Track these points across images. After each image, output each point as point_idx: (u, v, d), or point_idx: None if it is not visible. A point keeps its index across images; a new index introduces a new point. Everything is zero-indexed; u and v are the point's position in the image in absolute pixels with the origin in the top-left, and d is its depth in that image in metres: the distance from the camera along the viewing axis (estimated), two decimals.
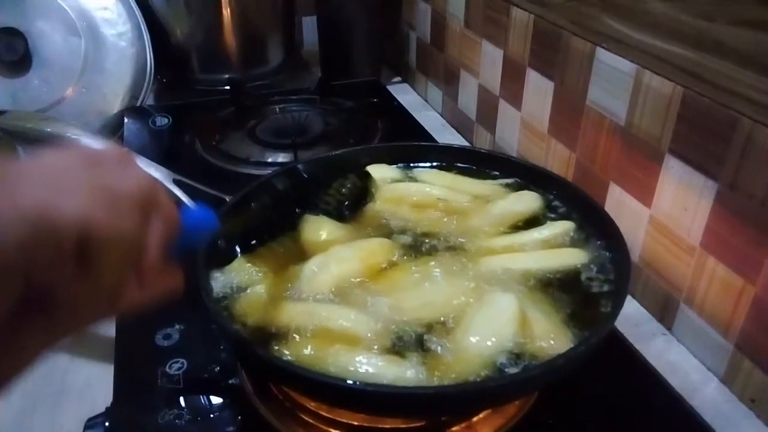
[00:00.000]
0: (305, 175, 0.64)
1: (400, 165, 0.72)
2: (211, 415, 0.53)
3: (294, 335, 0.48)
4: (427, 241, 0.59)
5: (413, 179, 0.69)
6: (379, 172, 0.68)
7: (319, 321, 0.49)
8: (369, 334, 0.47)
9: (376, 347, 0.46)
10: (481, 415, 0.50)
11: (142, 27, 1.08)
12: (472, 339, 0.46)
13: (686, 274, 0.64)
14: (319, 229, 0.60)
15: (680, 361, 0.64)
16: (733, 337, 0.59)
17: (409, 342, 0.47)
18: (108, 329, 0.62)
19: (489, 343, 0.46)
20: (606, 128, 0.72)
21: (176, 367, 0.57)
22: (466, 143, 1.09)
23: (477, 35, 1.00)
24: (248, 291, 0.53)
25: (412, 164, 0.72)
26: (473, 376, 0.44)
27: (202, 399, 0.54)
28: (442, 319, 0.49)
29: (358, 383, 0.41)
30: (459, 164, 0.71)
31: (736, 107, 0.54)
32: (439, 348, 0.46)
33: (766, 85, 0.51)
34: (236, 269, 0.55)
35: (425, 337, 0.47)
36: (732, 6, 0.53)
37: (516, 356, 0.45)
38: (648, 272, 0.69)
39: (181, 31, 1.19)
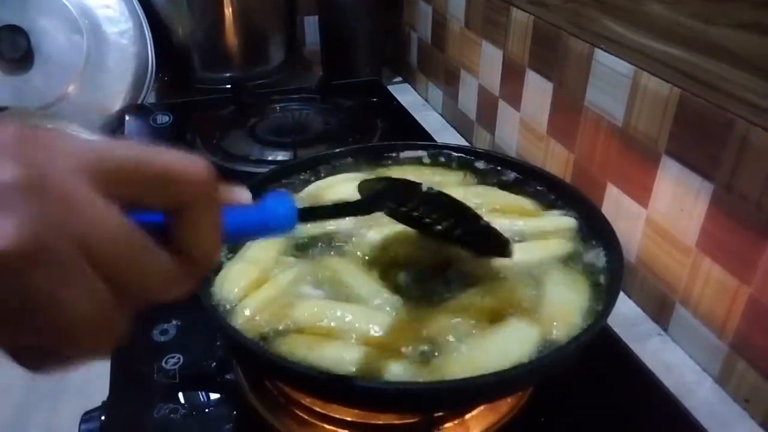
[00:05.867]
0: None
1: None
2: (207, 410, 0.53)
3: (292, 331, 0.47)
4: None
5: None
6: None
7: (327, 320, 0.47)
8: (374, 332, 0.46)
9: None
10: (474, 412, 0.50)
11: (144, 25, 1.09)
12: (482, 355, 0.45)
13: (682, 275, 0.64)
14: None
15: (675, 361, 0.64)
16: (728, 338, 0.59)
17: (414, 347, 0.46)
18: None
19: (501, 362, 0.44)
20: (604, 129, 0.72)
21: (172, 362, 0.57)
22: (465, 143, 1.09)
23: (477, 36, 1.00)
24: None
25: None
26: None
27: (198, 394, 0.54)
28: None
29: (349, 378, 0.41)
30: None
31: (732, 109, 0.55)
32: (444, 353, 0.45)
33: (761, 88, 0.52)
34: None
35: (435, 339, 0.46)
36: (729, 8, 0.54)
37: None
38: (644, 272, 0.70)
39: (182, 30, 1.19)
